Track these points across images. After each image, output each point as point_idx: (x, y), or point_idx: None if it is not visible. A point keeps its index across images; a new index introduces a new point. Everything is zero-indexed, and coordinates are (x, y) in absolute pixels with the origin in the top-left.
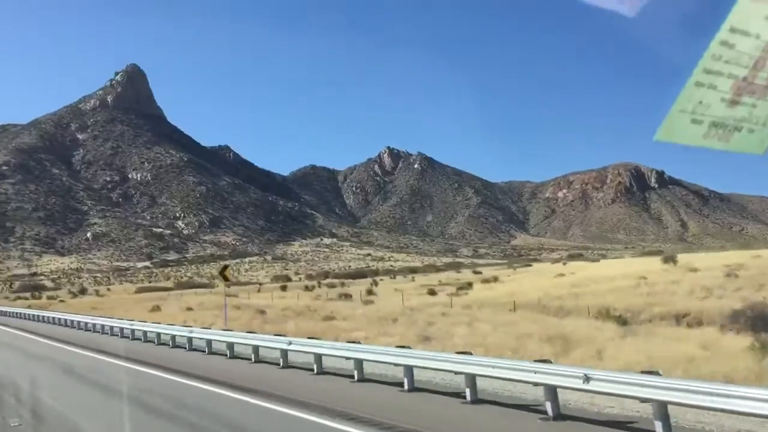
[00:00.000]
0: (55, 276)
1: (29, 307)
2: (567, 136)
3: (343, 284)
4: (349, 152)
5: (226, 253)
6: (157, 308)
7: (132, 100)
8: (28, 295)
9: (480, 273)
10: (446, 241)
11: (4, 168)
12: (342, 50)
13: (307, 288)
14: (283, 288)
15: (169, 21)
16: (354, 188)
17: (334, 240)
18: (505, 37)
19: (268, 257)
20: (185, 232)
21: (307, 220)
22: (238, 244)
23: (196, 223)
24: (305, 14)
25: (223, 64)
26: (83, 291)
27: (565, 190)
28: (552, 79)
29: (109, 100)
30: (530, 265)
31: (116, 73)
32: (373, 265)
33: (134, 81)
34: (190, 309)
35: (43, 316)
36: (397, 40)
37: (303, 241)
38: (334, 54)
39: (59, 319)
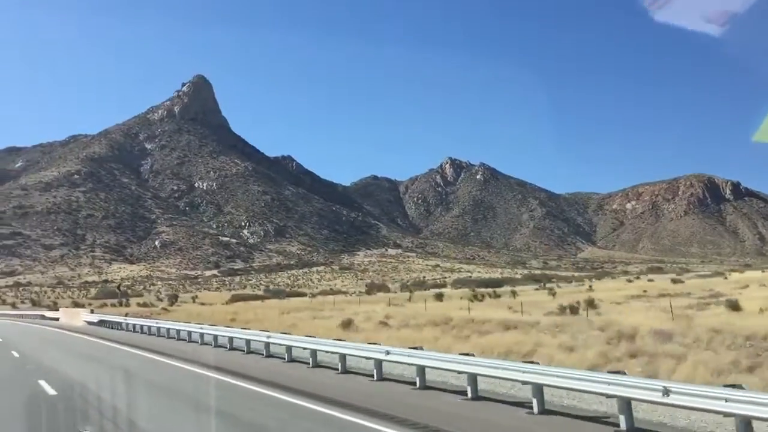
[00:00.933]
0: (128, 283)
1: (126, 315)
2: (635, 147)
3: (496, 293)
4: (411, 163)
5: (292, 262)
6: (348, 324)
7: (198, 111)
8: (113, 301)
9: (681, 282)
10: (512, 253)
11: (76, 177)
12: (404, 60)
13: (475, 297)
14: (439, 297)
15: (234, 32)
16: (416, 199)
17: (399, 250)
18: (578, 49)
19: (336, 267)
20: (250, 241)
21: (370, 231)
22: (303, 253)
23: (261, 233)
24: (368, 26)
25: (285, 75)
26: (175, 298)
27: (633, 202)
28: (622, 89)
29: (176, 110)
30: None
31: (183, 84)
32: (447, 276)
33: (201, 91)
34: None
35: (175, 330)
36: (461, 49)
37: (367, 251)
38: (396, 64)
39: (205, 334)
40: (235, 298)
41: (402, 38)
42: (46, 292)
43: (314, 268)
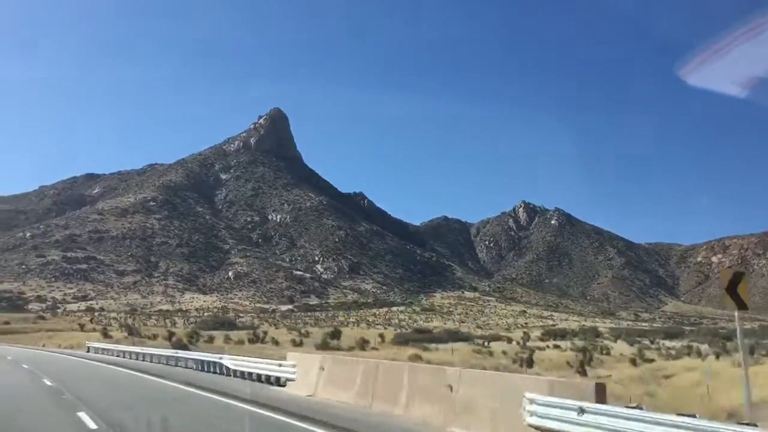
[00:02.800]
0: (198, 314)
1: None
2: (721, 198)
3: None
4: (483, 205)
5: (369, 300)
6: None
7: (273, 143)
8: (223, 335)
9: None
10: (593, 302)
11: (151, 203)
12: (479, 106)
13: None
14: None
15: (311, 67)
16: (487, 242)
17: (476, 293)
18: (655, 101)
19: (416, 307)
20: (324, 276)
21: (445, 272)
22: (378, 292)
23: (335, 268)
24: (442, 72)
25: (358, 112)
26: (337, 334)
27: (720, 255)
28: (700, 140)
29: (252, 142)
30: None
31: (260, 117)
32: (545, 324)
33: (276, 124)
34: None
35: None
36: (536, 98)
37: (443, 292)
38: (470, 110)
39: None
40: (399, 339)
41: (478, 84)
42: (140, 319)
43: (395, 308)
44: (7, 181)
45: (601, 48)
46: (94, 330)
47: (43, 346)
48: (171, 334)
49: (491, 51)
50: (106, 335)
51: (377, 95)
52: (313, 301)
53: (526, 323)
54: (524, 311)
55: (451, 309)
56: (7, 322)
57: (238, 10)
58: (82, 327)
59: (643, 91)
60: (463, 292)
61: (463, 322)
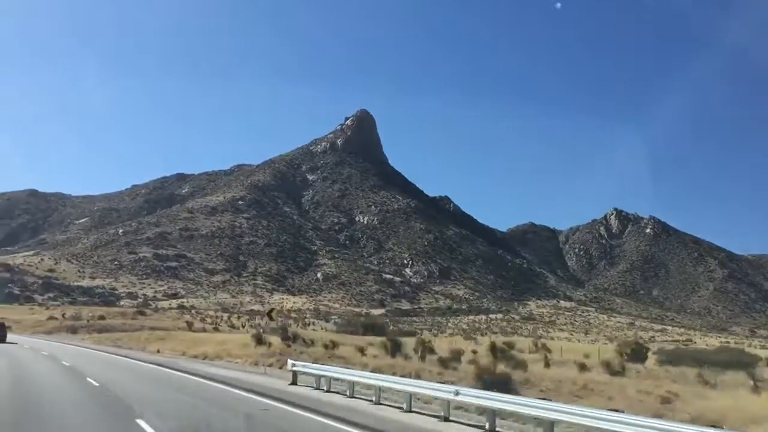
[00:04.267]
0: (300, 314)
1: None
2: None
3: None
4: (572, 212)
5: (463, 306)
6: None
7: (360, 145)
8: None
9: None
10: (698, 316)
11: (240, 203)
12: (566, 113)
13: None
14: None
15: (396, 69)
16: (577, 250)
17: (572, 303)
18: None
19: (515, 316)
20: (413, 280)
21: (537, 280)
22: (471, 298)
23: (425, 272)
24: (530, 79)
25: (445, 114)
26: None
27: None
28: None
29: (339, 143)
30: None
31: (346, 118)
32: (665, 338)
33: (363, 126)
34: None
35: None
36: (627, 104)
37: (538, 301)
38: (557, 116)
39: None
40: (668, 358)
41: (567, 90)
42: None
43: (492, 316)
44: (102, 180)
45: (701, 50)
46: (216, 329)
47: (158, 351)
48: (458, 354)
49: (578, 56)
50: (260, 341)
51: (463, 100)
52: (405, 305)
53: (652, 338)
54: (632, 323)
55: (552, 318)
56: (102, 317)
57: (325, 11)
58: (190, 326)
59: (747, 101)
60: (558, 301)
61: (572, 333)
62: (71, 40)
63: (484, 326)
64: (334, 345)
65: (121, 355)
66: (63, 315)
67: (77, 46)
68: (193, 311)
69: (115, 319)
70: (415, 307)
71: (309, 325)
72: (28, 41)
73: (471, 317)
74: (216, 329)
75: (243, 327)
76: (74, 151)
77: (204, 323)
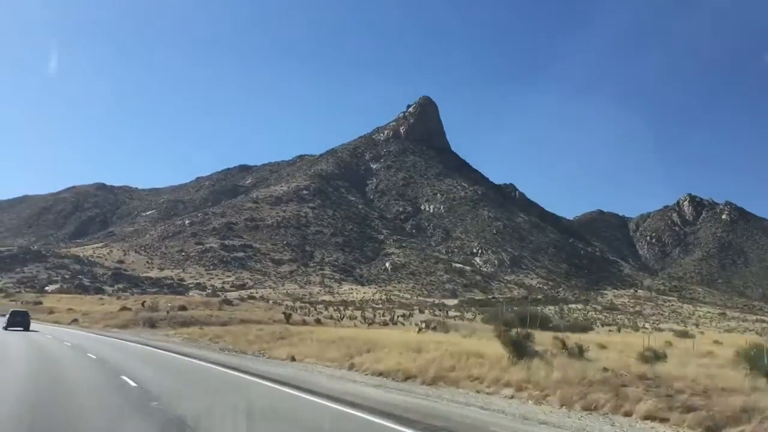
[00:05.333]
0: (369, 306)
1: None
2: None
3: None
4: (642, 198)
5: (539, 296)
6: None
7: (423, 132)
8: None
9: None
10: None
11: (305, 192)
12: (637, 88)
13: None
14: None
15: (457, 56)
16: (648, 238)
17: (651, 293)
18: None
19: (596, 306)
20: (483, 269)
21: (611, 268)
22: (545, 287)
23: (495, 261)
24: (594, 66)
25: (507, 99)
26: None
27: None
28: None
29: (401, 131)
30: None
31: (408, 106)
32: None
33: (426, 113)
34: None
35: None
36: (705, 76)
37: (614, 290)
38: (627, 90)
39: None
40: None
41: (640, 75)
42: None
43: (569, 306)
44: (168, 173)
45: None
46: (319, 322)
47: (292, 359)
48: None
49: (648, 42)
50: (518, 351)
51: (524, 85)
52: (478, 295)
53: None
54: (723, 313)
55: (636, 309)
56: (183, 307)
57: (386, 1)
58: (287, 317)
59: None
60: (636, 290)
61: (663, 323)
62: (142, 34)
63: (578, 316)
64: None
65: (251, 374)
66: (142, 304)
67: (148, 41)
68: (284, 303)
69: (198, 310)
70: (489, 297)
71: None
72: (99, 38)
73: (551, 308)
74: (318, 322)
75: (355, 319)
76: (140, 145)
77: (304, 315)
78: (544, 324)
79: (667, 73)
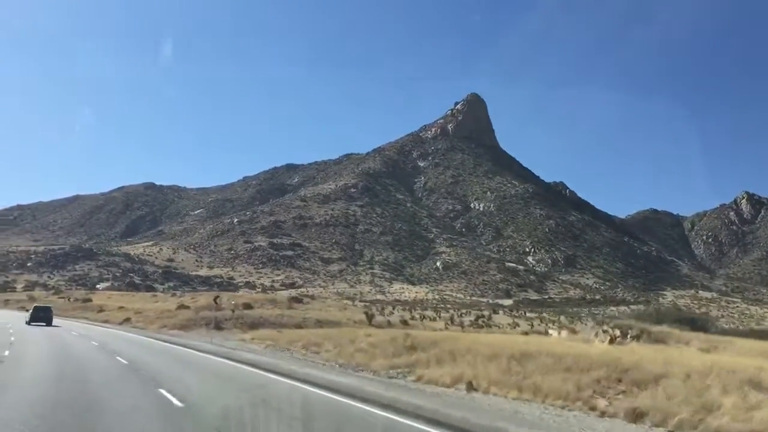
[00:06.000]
0: (425, 307)
1: None
2: None
3: None
4: (697, 196)
5: (597, 297)
6: None
7: (471, 129)
8: None
9: None
10: None
11: (352, 190)
12: (690, 83)
13: None
14: None
15: (506, 51)
16: (704, 237)
17: (712, 293)
18: None
19: (657, 307)
20: (537, 269)
21: (669, 268)
22: (602, 287)
23: (549, 261)
24: (639, 63)
25: (558, 96)
26: None
27: None
28: None
29: (449, 128)
30: None
31: (456, 103)
32: None
33: (474, 110)
34: None
35: None
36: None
37: (674, 291)
38: (681, 88)
39: None
40: None
41: (687, 73)
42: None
43: (631, 307)
44: (215, 172)
45: None
46: (405, 323)
47: (471, 388)
48: None
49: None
50: None
51: (573, 83)
52: (533, 296)
53: None
54: None
55: (702, 310)
56: (247, 305)
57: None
58: (370, 318)
59: None
60: (697, 291)
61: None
62: (190, 35)
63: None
64: None
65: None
66: (215, 300)
67: (196, 44)
68: (351, 301)
69: (265, 309)
70: (545, 297)
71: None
72: (147, 40)
73: (612, 308)
74: (405, 323)
75: (433, 320)
76: (187, 145)
77: (381, 314)
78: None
79: (722, 72)
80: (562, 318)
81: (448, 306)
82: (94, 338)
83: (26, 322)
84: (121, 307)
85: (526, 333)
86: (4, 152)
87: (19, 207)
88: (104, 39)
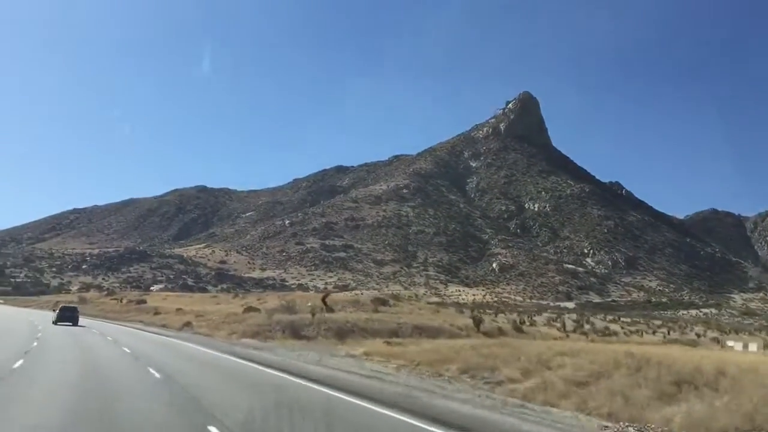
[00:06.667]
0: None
1: None
2: None
3: None
4: (759, 195)
5: (663, 300)
6: None
7: (524, 129)
8: None
9: None
10: None
11: (404, 191)
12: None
13: None
14: None
15: (560, 49)
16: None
17: None
18: None
19: (731, 311)
20: (596, 270)
21: (734, 270)
22: (666, 290)
23: (609, 262)
24: (695, 61)
25: (612, 92)
26: None
27: None
28: None
29: (501, 128)
30: None
31: (507, 102)
32: None
33: (527, 109)
34: None
35: None
36: None
37: (742, 294)
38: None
39: None
40: None
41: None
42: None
43: (702, 311)
44: (265, 175)
45: None
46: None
47: None
48: None
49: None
50: None
51: (625, 79)
52: (594, 298)
53: None
54: None
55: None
56: (327, 308)
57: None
58: (477, 324)
59: None
60: (766, 294)
61: None
62: (243, 39)
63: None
64: None
65: None
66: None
67: (248, 48)
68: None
69: (348, 312)
70: (609, 300)
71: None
72: (200, 44)
73: (683, 312)
74: (519, 330)
75: (532, 324)
76: (237, 148)
77: (494, 322)
78: None
79: None
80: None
81: (520, 309)
82: (153, 360)
83: (53, 322)
84: (179, 310)
85: (668, 343)
86: (61, 157)
87: (75, 211)
88: (154, 47)
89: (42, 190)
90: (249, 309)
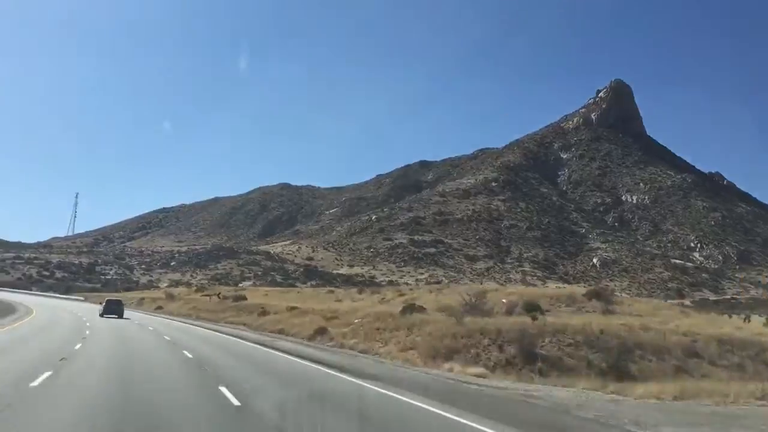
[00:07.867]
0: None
1: None
2: None
3: None
4: None
5: None
6: None
7: (617, 118)
8: None
9: None
10: None
11: (494, 184)
12: None
13: None
14: None
15: (652, 32)
16: None
17: None
18: None
19: None
20: (705, 266)
21: None
22: None
23: (719, 257)
24: None
25: (713, 75)
26: None
27: None
28: None
29: (593, 117)
30: None
31: (598, 91)
32: None
33: (620, 97)
34: None
35: None
36: None
37: None
38: None
39: None
40: None
41: None
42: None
43: None
44: (350, 172)
45: None
46: None
47: None
48: None
49: None
50: None
51: (719, 65)
52: (709, 295)
53: None
54: None
55: None
56: (537, 307)
57: None
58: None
59: None
60: None
61: None
62: (329, 35)
63: None
64: None
65: None
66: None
67: (331, 44)
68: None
69: (561, 312)
70: (727, 297)
71: None
72: (285, 39)
73: None
74: None
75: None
76: (320, 145)
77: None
78: None
79: None
80: None
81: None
82: None
83: (99, 315)
84: (292, 308)
85: None
86: (149, 159)
87: (164, 210)
88: (237, 47)
89: (132, 192)
90: (409, 308)
